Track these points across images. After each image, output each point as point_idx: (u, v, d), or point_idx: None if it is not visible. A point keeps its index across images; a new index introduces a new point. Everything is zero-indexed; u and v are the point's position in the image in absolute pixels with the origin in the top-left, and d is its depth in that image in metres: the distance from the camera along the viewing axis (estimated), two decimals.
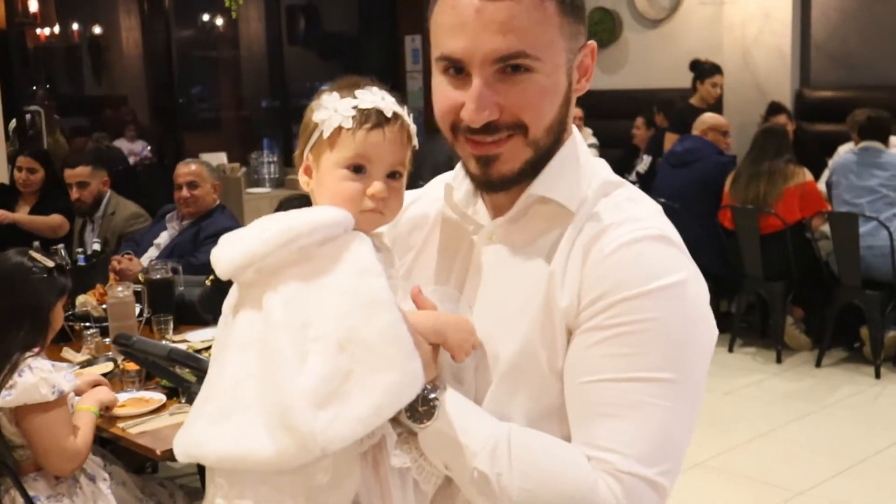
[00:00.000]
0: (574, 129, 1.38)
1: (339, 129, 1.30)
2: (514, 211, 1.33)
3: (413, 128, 1.36)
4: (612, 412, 1.22)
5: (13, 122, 7.56)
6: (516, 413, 1.29)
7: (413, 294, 1.33)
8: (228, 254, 1.26)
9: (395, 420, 1.26)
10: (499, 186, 1.32)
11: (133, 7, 8.99)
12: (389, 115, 1.31)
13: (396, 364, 1.19)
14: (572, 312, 1.26)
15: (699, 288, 1.29)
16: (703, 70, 7.33)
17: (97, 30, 9.05)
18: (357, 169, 1.31)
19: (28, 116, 7.49)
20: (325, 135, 1.31)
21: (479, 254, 1.37)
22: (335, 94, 1.32)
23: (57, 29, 8.02)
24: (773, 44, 7.65)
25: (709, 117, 6.64)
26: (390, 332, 1.20)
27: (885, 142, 5.94)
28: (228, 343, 1.30)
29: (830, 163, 6.29)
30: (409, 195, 1.49)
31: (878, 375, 5.63)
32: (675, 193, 6.24)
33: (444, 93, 1.30)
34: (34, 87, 8.00)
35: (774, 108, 7.12)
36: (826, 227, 5.84)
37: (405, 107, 1.36)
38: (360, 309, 1.21)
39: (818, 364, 5.86)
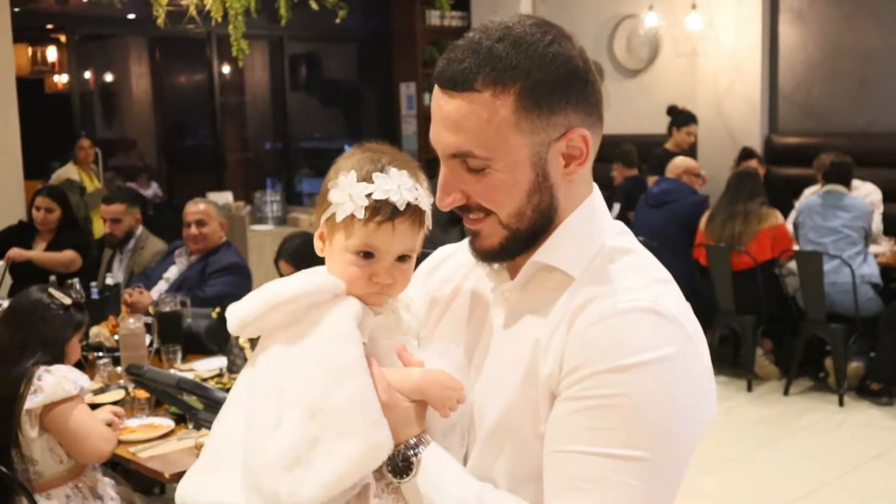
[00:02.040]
0: (596, 190, 1.32)
1: (352, 217, 1.26)
2: (520, 278, 1.28)
3: (428, 212, 1.31)
4: (577, 486, 1.15)
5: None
6: (499, 475, 1.24)
7: (398, 352, 1.30)
8: (232, 314, 1.27)
9: (378, 471, 1.23)
10: (486, 258, 1.28)
11: (143, 55, 9.05)
12: (402, 207, 1.26)
13: (361, 433, 1.17)
14: (554, 380, 1.19)
15: (688, 363, 1.18)
16: (681, 117, 7.36)
17: (109, 77, 9.10)
18: (366, 255, 1.28)
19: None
20: (338, 219, 1.28)
21: (492, 314, 1.31)
22: (352, 176, 1.27)
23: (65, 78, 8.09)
24: (743, 94, 7.73)
25: (681, 161, 6.69)
26: (357, 400, 1.18)
27: (848, 185, 5.99)
28: (231, 394, 1.32)
29: (797, 204, 6.32)
30: (447, 249, 1.48)
31: (841, 403, 5.65)
32: (654, 231, 6.29)
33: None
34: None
35: (746, 154, 7.18)
36: (793, 265, 5.88)
37: (424, 183, 1.32)
38: (330, 376, 1.19)
39: (786, 392, 5.88)
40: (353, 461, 1.16)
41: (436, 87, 1.22)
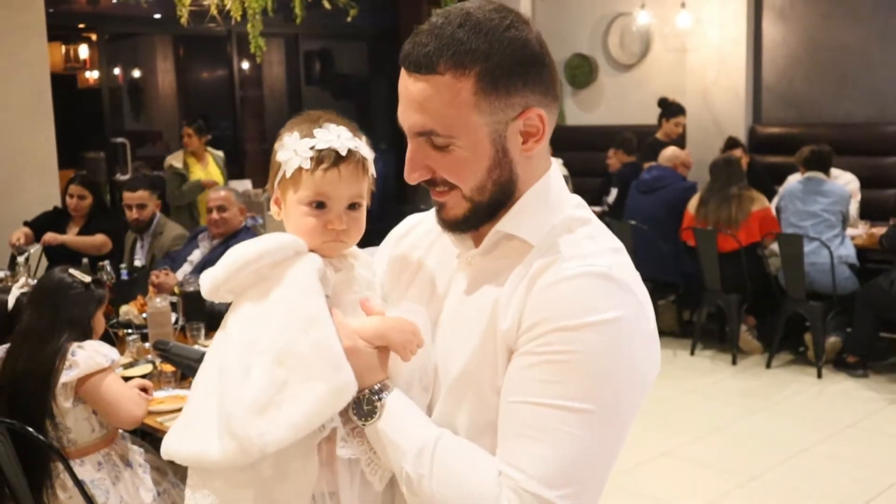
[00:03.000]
0: (554, 166, 1.32)
1: (300, 169, 1.28)
2: (484, 245, 1.29)
3: (370, 159, 1.33)
4: (528, 433, 1.16)
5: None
6: (460, 425, 1.24)
7: (360, 302, 1.30)
8: (203, 280, 1.28)
9: (345, 415, 1.23)
10: (451, 228, 1.29)
11: (168, 53, 9.02)
12: (344, 153, 1.28)
13: (326, 375, 1.17)
14: (512, 336, 1.20)
15: (637, 327, 1.19)
16: (670, 109, 7.37)
17: (137, 73, 9.08)
18: (318, 205, 1.29)
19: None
20: (288, 174, 1.29)
21: (456, 278, 1.32)
22: (296, 134, 1.29)
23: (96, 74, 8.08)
24: (729, 86, 7.70)
25: (671, 150, 6.69)
26: (322, 345, 1.18)
27: (827, 172, 5.98)
28: (205, 358, 1.33)
29: (780, 190, 6.32)
30: (415, 218, 1.48)
31: (819, 375, 5.66)
32: (645, 216, 6.29)
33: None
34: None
35: (731, 143, 7.16)
36: (775, 247, 5.87)
37: (363, 138, 1.33)
38: (296, 325, 1.19)
39: (768, 366, 5.89)
40: (319, 403, 1.16)
41: (402, 69, 1.22)
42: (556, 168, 1.32)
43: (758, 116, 7.79)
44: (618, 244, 1.27)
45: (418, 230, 1.45)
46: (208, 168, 7.02)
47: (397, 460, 1.20)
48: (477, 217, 1.26)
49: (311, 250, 1.29)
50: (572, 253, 1.21)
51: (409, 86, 1.21)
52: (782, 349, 6.07)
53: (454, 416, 1.25)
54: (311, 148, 1.27)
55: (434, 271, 1.37)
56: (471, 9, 1.20)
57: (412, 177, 1.25)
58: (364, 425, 1.23)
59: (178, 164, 6.82)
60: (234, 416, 1.17)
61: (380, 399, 1.23)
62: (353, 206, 1.31)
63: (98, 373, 2.79)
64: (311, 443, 1.21)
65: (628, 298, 1.19)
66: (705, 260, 6.01)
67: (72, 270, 3.00)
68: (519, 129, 1.23)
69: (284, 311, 1.21)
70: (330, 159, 1.27)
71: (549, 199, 1.28)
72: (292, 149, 1.29)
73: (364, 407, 1.23)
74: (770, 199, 6.27)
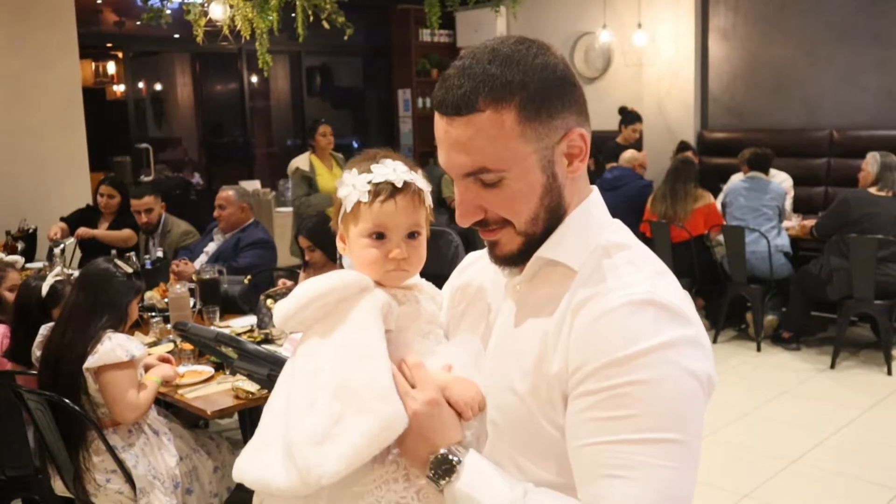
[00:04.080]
0: (594, 192, 1.18)
1: (358, 203, 1.18)
2: (526, 272, 1.15)
3: (426, 190, 1.22)
4: (613, 473, 0.99)
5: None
6: (513, 463, 1.10)
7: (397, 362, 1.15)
8: (276, 311, 1.19)
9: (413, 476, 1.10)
10: (506, 264, 1.16)
11: (187, 68, 8.96)
12: (400, 185, 1.18)
13: (373, 408, 1.05)
14: (563, 378, 1.05)
15: (689, 346, 1.03)
16: (629, 117, 7.37)
17: (158, 86, 9.03)
18: (377, 236, 1.19)
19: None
20: (348, 209, 1.20)
21: (505, 307, 1.18)
22: (354, 171, 1.21)
23: (121, 87, 8.02)
24: (680, 97, 7.72)
25: (630, 153, 6.70)
26: (372, 379, 1.07)
27: (767, 172, 6.01)
28: (279, 381, 1.22)
29: (725, 188, 6.34)
30: (477, 253, 1.33)
31: (759, 349, 5.70)
32: (609, 212, 6.29)
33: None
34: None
35: (682, 146, 7.18)
36: (721, 237, 5.91)
37: (419, 171, 1.23)
38: (353, 359, 1.10)
39: (714, 341, 5.91)
40: (368, 435, 1.04)
41: (437, 115, 1.09)
42: (597, 192, 1.19)
43: (705, 123, 7.80)
44: (661, 267, 1.11)
45: (480, 263, 1.30)
46: (334, 171, 5.97)
47: None
48: (531, 249, 1.13)
49: (376, 282, 1.19)
50: (613, 283, 1.06)
51: (451, 129, 1.07)
52: (727, 327, 6.10)
53: (506, 453, 1.11)
54: (369, 182, 1.18)
55: (486, 301, 1.24)
56: (494, 45, 1.08)
57: (465, 220, 1.12)
58: (441, 486, 1.07)
59: (305, 168, 5.86)
60: (294, 445, 1.08)
61: (458, 458, 1.07)
62: (412, 236, 1.21)
63: (115, 366, 2.73)
64: (361, 490, 1.10)
65: (676, 319, 1.03)
66: (660, 249, 6.02)
67: (116, 261, 2.98)
68: (563, 152, 1.10)
69: (343, 346, 1.12)
70: (387, 191, 1.18)
71: (591, 222, 1.14)
72: (351, 184, 1.20)
73: (442, 466, 1.07)
74: (716, 195, 6.30)
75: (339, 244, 1.26)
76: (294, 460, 1.07)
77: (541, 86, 1.06)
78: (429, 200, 1.23)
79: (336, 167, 6.01)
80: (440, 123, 1.09)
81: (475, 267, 1.31)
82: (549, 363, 1.06)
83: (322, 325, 1.15)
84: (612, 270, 1.08)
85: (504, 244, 1.13)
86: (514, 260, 1.14)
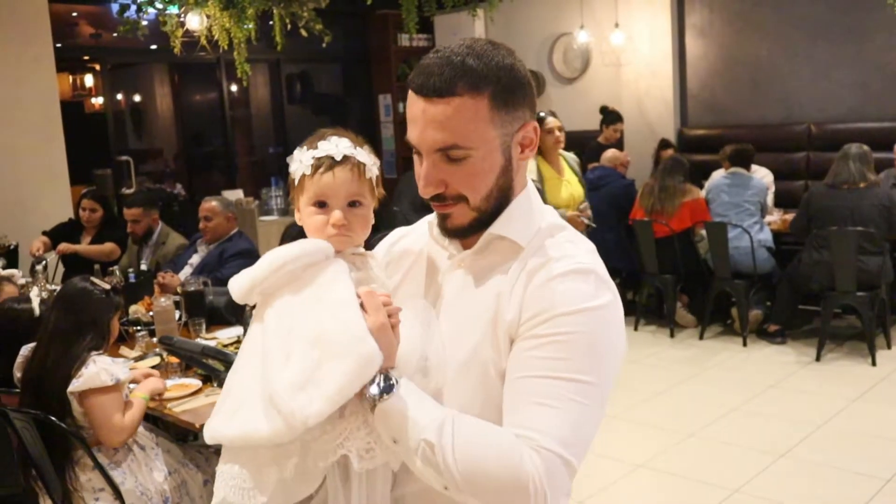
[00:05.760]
0: (529, 181, 1.35)
1: (304, 176, 1.30)
2: (478, 245, 1.31)
3: (368, 163, 1.33)
4: (540, 401, 1.17)
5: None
6: (469, 407, 1.23)
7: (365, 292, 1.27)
8: (239, 282, 1.27)
9: (360, 395, 1.18)
10: (455, 235, 1.32)
11: (165, 79, 8.90)
12: (339, 158, 1.29)
13: (351, 350, 1.15)
14: (514, 325, 1.23)
15: (616, 312, 1.26)
16: (610, 117, 7.37)
17: (137, 98, 8.97)
18: (320, 204, 1.30)
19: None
20: (296, 182, 1.32)
21: (451, 277, 1.34)
22: (304, 148, 1.32)
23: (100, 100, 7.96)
24: (659, 95, 7.76)
25: (612, 152, 6.71)
26: (348, 324, 1.17)
27: (749, 168, 6.05)
28: (242, 351, 1.31)
29: (707, 184, 6.37)
30: (402, 230, 1.49)
31: (745, 344, 5.72)
32: (592, 210, 6.29)
33: (415, 167, 1.30)
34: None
35: (663, 144, 7.21)
36: (704, 233, 5.92)
37: (364, 147, 1.33)
38: (327, 310, 1.19)
39: (701, 337, 5.94)
40: (349, 374, 1.14)
41: (415, 96, 1.24)
42: (531, 183, 1.37)
43: (685, 120, 7.84)
44: (591, 246, 1.32)
45: (405, 240, 1.46)
46: (565, 177, 4.82)
47: (415, 434, 1.16)
48: (480, 224, 1.30)
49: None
50: (560, 254, 1.26)
51: (428, 109, 1.23)
52: (712, 322, 6.12)
53: (459, 398, 1.25)
54: (312, 157, 1.30)
55: (423, 273, 1.39)
56: (470, 43, 1.26)
57: (427, 190, 1.27)
58: (381, 401, 1.17)
59: (532, 175, 4.51)
60: (277, 394, 1.15)
61: (396, 379, 1.19)
62: (353, 204, 1.31)
63: (100, 390, 2.69)
64: (332, 445, 1.19)
65: (608, 290, 1.25)
66: (643, 246, 6.05)
67: (93, 279, 2.94)
68: (519, 141, 1.29)
69: (317, 301, 1.21)
70: (326, 164, 1.29)
71: (533, 206, 1.34)
72: (298, 159, 1.32)
73: (386, 383, 1.18)
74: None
75: (296, 215, 1.36)
76: (278, 407, 1.15)
77: (508, 82, 1.25)
78: (372, 174, 1.34)
79: (568, 170, 5.00)
80: (417, 103, 1.24)
81: (404, 242, 1.46)
82: (503, 314, 1.24)
83: (289, 289, 1.24)
84: (557, 247, 1.28)
85: (456, 217, 1.29)
86: (464, 232, 1.31)
